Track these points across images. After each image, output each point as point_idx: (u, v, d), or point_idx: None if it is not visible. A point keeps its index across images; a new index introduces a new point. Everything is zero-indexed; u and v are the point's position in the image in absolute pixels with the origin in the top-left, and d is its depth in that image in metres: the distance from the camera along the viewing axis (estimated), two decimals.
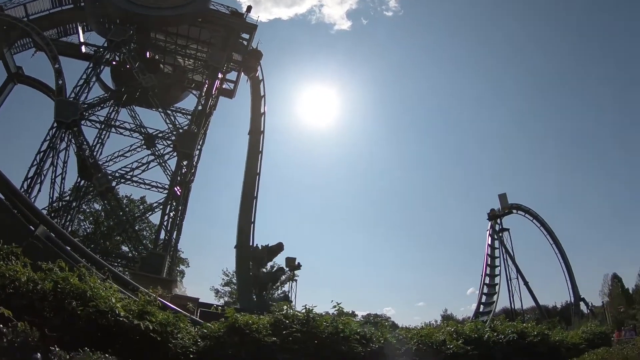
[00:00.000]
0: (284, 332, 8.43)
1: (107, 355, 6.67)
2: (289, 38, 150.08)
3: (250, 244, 37.18)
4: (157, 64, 43.59)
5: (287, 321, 8.84)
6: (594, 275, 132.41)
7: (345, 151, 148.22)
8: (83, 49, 42.49)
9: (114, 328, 7.85)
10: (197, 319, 10.77)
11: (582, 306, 63.58)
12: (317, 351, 8.48)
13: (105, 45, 38.92)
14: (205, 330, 8.43)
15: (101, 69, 38.87)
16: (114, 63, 41.24)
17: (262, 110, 41.29)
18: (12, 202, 15.94)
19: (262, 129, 40.59)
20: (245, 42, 41.84)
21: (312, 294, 67.96)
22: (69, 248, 14.08)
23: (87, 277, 8.66)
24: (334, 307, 10.03)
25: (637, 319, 51.43)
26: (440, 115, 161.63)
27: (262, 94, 42.09)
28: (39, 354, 6.44)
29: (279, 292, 53.93)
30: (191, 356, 7.88)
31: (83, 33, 43.01)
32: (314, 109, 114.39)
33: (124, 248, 41.31)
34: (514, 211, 62.26)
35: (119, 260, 36.54)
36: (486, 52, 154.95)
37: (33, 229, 14.23)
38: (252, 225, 37.24)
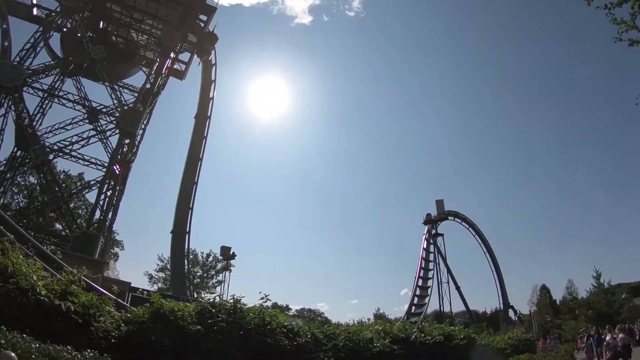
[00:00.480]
0: (210, 320, 8.35)
1: (24, 335, 6.46)
2: (247, 25, 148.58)
3: (187, 230, 36.74)
4: (110, 36, 42.05)
5: (214, 310, 8.76)
6: (524, 285, 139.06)
7: (293, 146, 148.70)
8: (35, 11, 40.01)
9: (35, 308, 7.57)
10: (124, 302, 10.49)
11: (511, 313, 66.81)
12: (243, 342, 8.45)
13: (58, 9, 37.20)
14: (130, 315, 8.26)
15: (50, 35, 37.25)
16: (64, 30, 39.40)
17: (210, 95, 40.91)
18: None
19: (209, 114, 40.28)
20: (202, 24, 40.99)
21: (248, 287, 67.69)
22: None
23: (10, 252, 8.31)
24: (262, 298, 10.03)
25: (562, 329, 54.65)
26: (388, 119, 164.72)
27: (212, 78, 41.74)
28: None
29: (214, 281, 53.51)
30: (113, 341, 7.68)
31: None
32: (265, 99, 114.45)
33: (58, 226, 39.73)
34: (450, 218, 64.46)
35: (52, 239, 35.10)
36: (435, 64, 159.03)
37: None
38: (190, 211, 36.78)
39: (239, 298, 9.42)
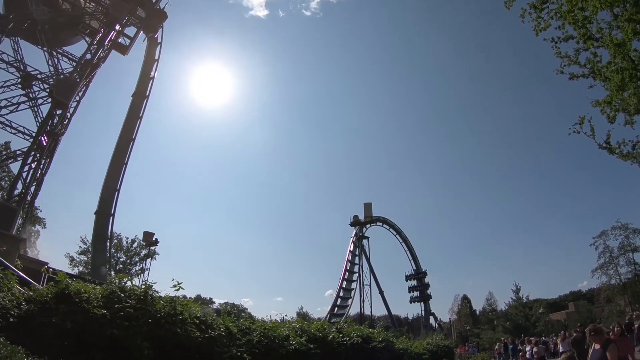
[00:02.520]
0: (117, 305, 8.04)
1: None
2: (199, 9, 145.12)
3: (112, 212, 35.51)
4: None
5: (123, 295, 8.43)
6: (447, 294, 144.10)
7: (230, 136, 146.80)
8: None
9: None
10: (29, 279, 9.91)
11: (432, 320, 69.04)
12: (151, 330, 8.18)
13: None
14: (32, 293, 7.84)
15: None
16: None
17: (152, 74, 39.80)
18: None
19: (147, 94, 39.13)
20: (153, 0, 39.61)
21: (173, 277, 65.91)
22: None
23: None
24: (174, 286, 9.68)
25: (481, 338, 57.18)
26: (328, 118, 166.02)
27: (156, 57, 40.78)
28: None
29: (137, 268, 51.79)
30: (11, 319, 7.25)
31: None
32: (207, 86, 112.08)
33: None
34: (379, 224, 65.79)
35: None
36: (383, 71, 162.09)
37: None
38: (116, 192, 35.57)
39: (150, 284, 9.14)
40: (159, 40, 40.95)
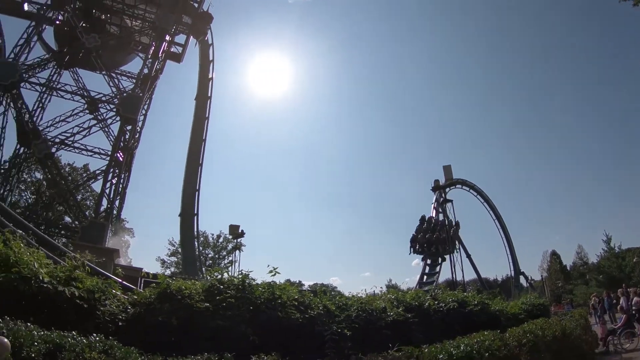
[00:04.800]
0: (218, 297, 8.22)
1: (27, 324, 6.36)
2: (242, 2, 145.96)
3: (195, 212, 36.81)
4: (103, 25, 41.34)
5: (222, 286, 8.62)
6: (535, 251, 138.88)
7: (295, 122, 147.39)
8: (25, 6, 39.65)
9: (39, 295, 7.46)
10: (131, 285, 10.39)
11: (522, 280, 66.72)
12: (253, 317, 8.31)
13: (49, 2, 36.76)
14: (136, 297, 8.16)
15: (43, 28, 36.86)
16: (57, 22, 38.94)
17: (210, 76, 40.44)
18: None
19: (209, 95, 39.87)
20: (195, 4, 40.41)
21: (260, 265, 67.60)
22: None
23: (11, 242, 8.19)
24: (270, 272, 9.83)
25: (574, 294, 54.66)
26: (390, 88, 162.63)
27: (210, 58, 41.22)
28: None
29: (226, 261, 53.74)
30: (120, 324, 7.61)
31: None
32: (265, 77, 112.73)
33: (67, 219, 39.89)
34: (459, 186, 63.83)
35: (62, 232, 35.29)
36: (448, 32, 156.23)
37: None
38: (196, 192, 36.79)
39: (247, 273, 9.28)
40: (209, 42, 41.65)
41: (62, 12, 37.75)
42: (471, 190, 65.07)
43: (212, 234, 56.33)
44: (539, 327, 10.92)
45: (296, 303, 9.49)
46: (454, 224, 54.64)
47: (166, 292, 8.03)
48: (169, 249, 54.43)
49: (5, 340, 4.80)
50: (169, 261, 54.50)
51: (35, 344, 5.84)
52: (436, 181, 61.47)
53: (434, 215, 59.08)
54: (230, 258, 52.54)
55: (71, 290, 7.47)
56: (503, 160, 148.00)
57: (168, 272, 47.77)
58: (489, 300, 15.82)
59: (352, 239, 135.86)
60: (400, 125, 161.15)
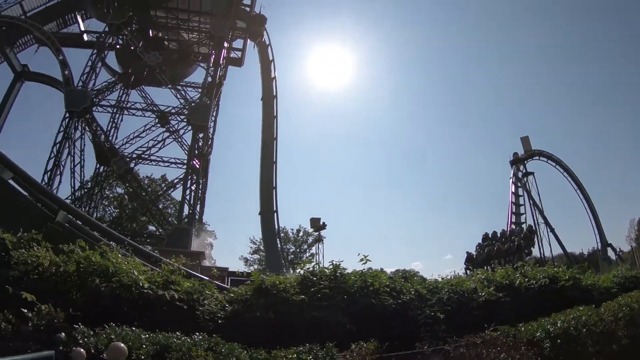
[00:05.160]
0: (312, 289, 8.27)
1: (133, 328, 6.62)
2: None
3: (274, 208, 37.55)
4: (161, 42, 43.02)
5: (315, 278, 8.68)
6: (620, 221, 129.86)
7: (362, 109, 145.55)
8: (85, 37, 42.12)
9: (140, 301, 7.81)
10: (224, 285, 10.70)
11: (610, 252, 62.94)
12: (347, 306, 8.31)
13: (106, 30, 38.57)
14: (232, 295, 8.35)
15: (105, 54, 38.75)
16: (117, 46, 40.95)
17: (272, 75, 40.97)
18: (30, 193, 16.22)
19: (274, 94, 40.35)
20: (247, 8, 40.92)
21: (340, 255, 67.72)
22: (88, 229, 14.15)
23: (108, 254, 8.61)
24: (361, 260, 9.78)
25: None
26: (455, 66, 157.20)
27: (270, 58, 41.73)
28: (62, 334, 6.41)
29: (307, 254, 54.58)
30: (219, 321, 7.84)
31: (83, 21, 42.58)
32: (327, 68, 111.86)
33: (151, 227, 41.96)
34: (537, 157, 60.85)
35: (148, 240, 37.13)
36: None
37: (53, 215, 14.41)
38: (274, 190, 37.45)
39: (337, 263, 9.26)
40: (267, 43, 42.19)
41: (120, 37, 39.50)
42: (549, 161, 61.91)
43: (292, 229, 57.49)
44: (634, 300, 10.28)
45: (388, 289, 9.45)
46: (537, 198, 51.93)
47: (261, 288, 8.19)
48: (250, 247, 56.12)
49: (122, 345, 4.98)
50: (251, 259, 56.18)
51: (144, 346, 6.07)
52: (515, 154, 58.88)
53: (512, 190, 56.69)
54: (311, 251, 53.49)
55: (170, 293, 7.75)
56: (578, 122, 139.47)
57: (252, 269, 49.13)
58: (580, 275, 15.14)
59: (429, 222, 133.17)
60: (469, 104, 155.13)
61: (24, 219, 12.44)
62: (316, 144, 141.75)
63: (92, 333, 6.36)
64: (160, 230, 36.35)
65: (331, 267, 9.22)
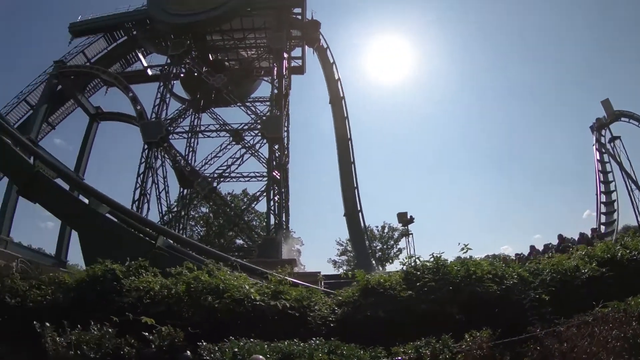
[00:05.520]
0: (418, 283, 8.31)
1: (250, 340, 6.94)
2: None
3: (359, 208, 37.60)
4: (223, 63, 44.37)
5: (418, 273, 8.71)
6: None
7: (432, 97, 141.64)
8: (149, 72, 44.31)
9: (252, 313, 8.17)
10: (327, 289, 10.98)
11: None
12: (453, 297, 8.26)
13: (169, 61, 40.44)
14: (340, 298, 8.55)
15: (172, 84, 40.44)
16: (181, 75, 42.84)
17: (336, 77, 40.86)
18: (128, 223, 17.44)
19: (341, 95, 40.26)
20: (299, 17, 41.30)
21: (427, 246, 66.88)
22: (189, 250, 15.04)
23: (216, 272, 9.09)
24: (462, 249, 9.75)
25: None
26: (523, 45, 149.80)
27: (331, 61, 41.71)
28: (188, 352, 6.85)
29: (395, 250, 54.28)
30: (331, 325, 8.04)
31: (144, 58, 44.86)
32: (390, 60, 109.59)
33: (238, 241, 43.56)
34: (625, 119, 56.46)
35: (237, 254, 38.51)
36: None
37: (153, 241, 15.38)
38: (355, 190, 37.45)
39: (438, 255, 9.24)
40: (325, 46, 42.26)
41: (182, 65, 41.21)
42: (631, 121, 57.33)
43: (377, 226, 57.38)
44: None
45: (490, 275, 9.31)
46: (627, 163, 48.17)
47: (367, 288, 8.35)
48: (337, 249, 56.52)
49: (262, 357, 5.29)
50: (339, 261, 56.56)
51: (267, 355, 6.36)
52: (598, 119, 55.25)
53: (598, 157, 53.10)
54: (398, 246, 53.24)
55: (282, 302, 8.10)
56: None
57: (341, 270, 49.42)
58: None
59: (511, 204, 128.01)
60: (542, 79, 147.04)
61: (126, 247, 13.20)
62: (391, 138, 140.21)
63: (216, 348, 6.75)
64: (249, 242, 37.77)
65: (432, 260, 9.21)
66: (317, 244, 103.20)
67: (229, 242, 42.17)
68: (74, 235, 38.30)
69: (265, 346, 6.64)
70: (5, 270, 11.17)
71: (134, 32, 42.06)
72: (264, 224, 40.25)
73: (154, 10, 39.91)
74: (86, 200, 17.22)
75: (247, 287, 8.37)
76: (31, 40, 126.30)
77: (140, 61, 44.76)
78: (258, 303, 8.18)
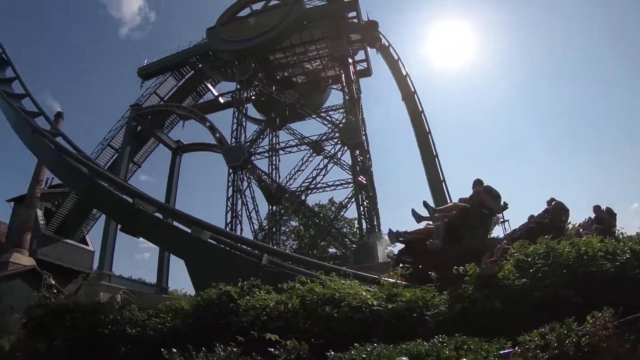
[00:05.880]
0: (531, 270, 8.25)
1: (374, 344, 7.20)
2: None
3: (448, 201, 36.97)
4: (290, 79, 45.64)
5: (529, 259, 8.64)
6: None
7: (505, 80, 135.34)
8: (221, 100, 46.80)
9: (370, 319, 8.46)
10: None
11: None
12: (567, 280, 8.08)
13: (238, 87, 42.40)
14: (454, 293, 8.65)
15: (245, 108, 42.37)
16: (253, 98, 44.63)
17: (404, 73, 40.52)
18: (230, 245, 18.47)
19: (413, 90, 39.93)
20: (355, 20, 41.56)
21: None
22: (290, 263, 15.81)
23: (329, 283, 9.57)
24: (569, 229, 9.46)
25: None
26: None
27: (396, 58, 41.43)
28: None
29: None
30: (448, 321, 8.09)
31: (214, 87, 47.39)
32: (454, 47, 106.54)
33: (331, 250, 44.31)
34: None
35: (332, 262, 39.22)
36: None
37: (257, 260, 16.24)
38: (442, 183, 37.04)
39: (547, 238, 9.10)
40: (387, 44, 42.07)
41: (252, 88, 43.02)
42: None
43: None
44: None
45: (602, 253, 8.98)
46: None
47: (481, 279, 8.39)
48: None
49: (405, 359, 5.61)
50: None
51: (396, 357, 6.64)
52: None
53: None
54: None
55: (398, 304, 8.39)
56: None
57: None
58: None
59: (600, 177, 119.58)
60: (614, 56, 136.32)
61: (233, 269, 14.10)
62: (470, 126, 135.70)
63: (346, 357, 7.11)
64: (343, 249, 38.57)
65: (543, 245, 9.08)
66: None
67: (321, 252, 43.03)
68: (172, 263, 41.37)
69: (392, 349, 6.88)
70: (110, 302, 12.10)
71: (200, 65, 44.69)
72: (355, 230, 40.90)
73: (212, 43, 42.39)
74: (188, 230, 18.19)
75: (364, 294, 8.75)
76: (104, 88, 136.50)
77: (211, 91, 47.32)
78: (375, 308, 8.48)
